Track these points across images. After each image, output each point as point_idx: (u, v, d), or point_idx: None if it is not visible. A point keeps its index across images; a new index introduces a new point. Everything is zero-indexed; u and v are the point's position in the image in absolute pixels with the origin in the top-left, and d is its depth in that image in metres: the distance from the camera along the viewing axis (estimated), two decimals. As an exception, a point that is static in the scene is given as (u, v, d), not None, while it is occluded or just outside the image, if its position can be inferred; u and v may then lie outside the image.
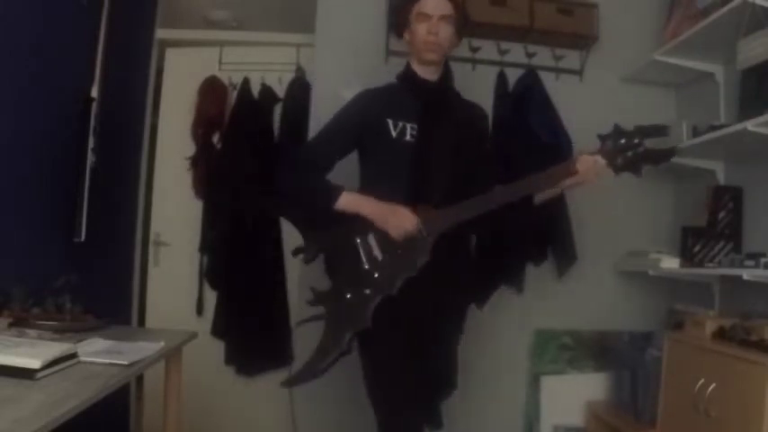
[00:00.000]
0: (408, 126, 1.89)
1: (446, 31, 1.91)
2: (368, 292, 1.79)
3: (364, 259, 1.83)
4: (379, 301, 1.78)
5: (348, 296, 1.82)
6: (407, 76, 1.99)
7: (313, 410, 2.42)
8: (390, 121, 1.90)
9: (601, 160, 1.79)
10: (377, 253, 1.83)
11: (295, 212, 2.03)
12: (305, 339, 1.86)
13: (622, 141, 1.79)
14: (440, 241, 1.81)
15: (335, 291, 1.86)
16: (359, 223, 1.84)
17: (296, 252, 1.94)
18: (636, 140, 1.78)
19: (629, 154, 1.79)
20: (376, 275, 1.81)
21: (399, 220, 1.81)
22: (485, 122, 2.16)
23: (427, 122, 1.91)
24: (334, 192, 1.86)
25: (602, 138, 1.81)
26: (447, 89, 2.00)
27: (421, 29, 1.90)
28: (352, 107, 1.99)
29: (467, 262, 2.11)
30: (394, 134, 1.89)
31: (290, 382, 1.89)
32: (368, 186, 1.94)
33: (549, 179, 1.83)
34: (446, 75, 1.99)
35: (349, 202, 1.86)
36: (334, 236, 1.89)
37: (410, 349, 1.82)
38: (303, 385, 1.88)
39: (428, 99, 1.94)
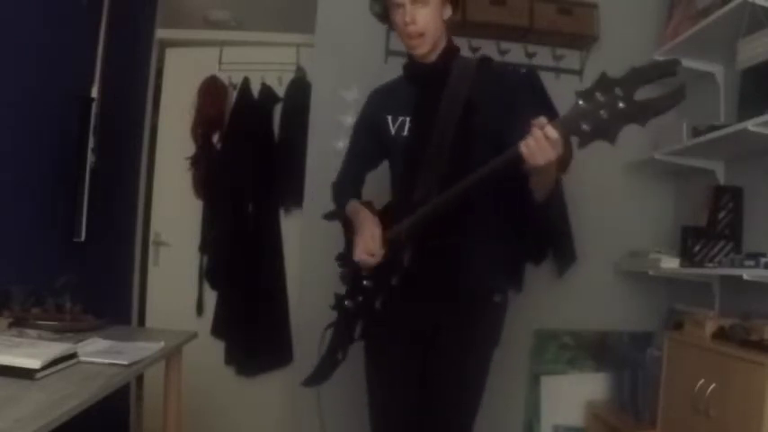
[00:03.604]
0: (407, 120, 1.73)
1: (425, 15, 1.65)
2: (360, 299, 1.71)
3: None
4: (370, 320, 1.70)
5: (346, 303, 1.75)
6: (406, 64, 1.83)
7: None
8: (390, 118, 1.76)
9: (552, 132, 1.30)
10: None
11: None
12: (306, 341, 1.84)
13: (598, 96, 1.25)
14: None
15: (341, 297, 1.78)
16: None
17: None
18: (617, 92, 1.24)
19: (602, 113, 1.25)
20: (365, 283, 1.70)
21: (361, 244, 1.64)
22: (520, 93, 1.76)
23: (421, 112, 1.71)
24: (344, 202, 1.82)
25: (577, 95, 1.29)
26: (449, 68, 1.73)
27: (398, 19, 1.67)
28: (362, 112, 1.91)
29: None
30: (393, 131, 1.75)
31: (304, 383, 1.83)
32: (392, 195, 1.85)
33: (490, 170, 1.46)
34: (448, 51, 1.75)
35: (348, 213, 1.79)
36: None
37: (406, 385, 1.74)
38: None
39: (425, 84, 1.75)
